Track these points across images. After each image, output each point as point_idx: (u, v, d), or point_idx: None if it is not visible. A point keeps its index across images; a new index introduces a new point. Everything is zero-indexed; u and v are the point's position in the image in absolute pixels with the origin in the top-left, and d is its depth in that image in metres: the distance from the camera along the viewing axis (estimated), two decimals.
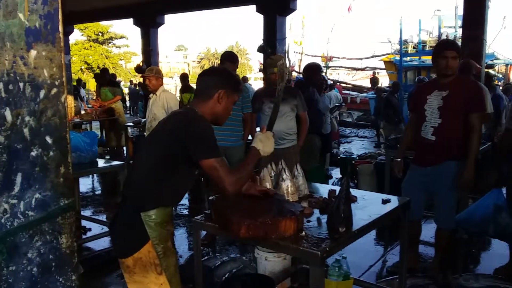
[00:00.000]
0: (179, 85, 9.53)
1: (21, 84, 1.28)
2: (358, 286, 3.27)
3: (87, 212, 5.69)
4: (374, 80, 13.86)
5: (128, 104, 13.11)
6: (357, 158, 7.56)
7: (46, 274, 1.36)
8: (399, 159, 3.74)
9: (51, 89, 1.34)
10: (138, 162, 2.10)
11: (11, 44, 1.25)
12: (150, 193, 1.96)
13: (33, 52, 1.30)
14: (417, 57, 17.96)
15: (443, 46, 3.38)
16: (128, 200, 2.02)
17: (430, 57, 3.82)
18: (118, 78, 20.66)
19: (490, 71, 17.80)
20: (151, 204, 1.95)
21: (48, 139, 1.34)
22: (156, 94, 5.04)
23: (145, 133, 5.91)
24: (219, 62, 4.51)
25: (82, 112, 9.63)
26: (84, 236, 4.68)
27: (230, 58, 4.32)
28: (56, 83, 1.35)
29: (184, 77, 9.33)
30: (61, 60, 1.36)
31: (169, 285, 1.99)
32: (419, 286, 3.21)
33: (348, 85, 21.93)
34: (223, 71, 2.26)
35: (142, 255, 1.95)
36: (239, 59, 4.87)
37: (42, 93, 1.32)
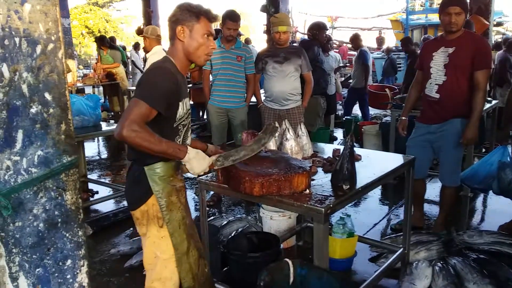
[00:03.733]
0: None
1: (16, 39, 1.25)
2: (362, 243, 3.33)
3: (93, 176, 5.75)
4: (380, 40, 13.62)
5: (130, 68, 13.00)
6: (362, 119, 7.52)
7: (53, 229, 1.38)
8: (404, 118, 3.72)
9: (47, 44, 1.31)
10: None
11: None
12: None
13: (27, 6, 1.26)
14: (424, 15, 17.56)
15: (447, 2, 3.28)
16: (132, 157, 2.06)
17: (437, 15, 3.72)
18: (120, 42, 20.41)
19: (499, 28, 17.45)
20: (151, 159, 1.93)
21: (47, 96, 1.32)
22: (146, 56, 4.89)
23: None
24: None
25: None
26: (91, 199, 4.74)
27: (230, 17, 4.23)
28: (53, 38, 1.32)
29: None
30: (56, 15, 1.32)
31: (170, 238, 2.03)
32: (423, 243, 3.25)
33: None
34: (176, 7, 2.05)
35: (148, 207, 2.01)
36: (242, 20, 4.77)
37: (38, 49, 1.29)
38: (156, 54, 4.67)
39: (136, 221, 2.10)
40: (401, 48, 9.30)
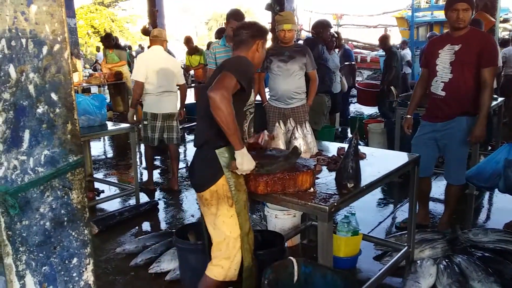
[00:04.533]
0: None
1: (23, 40, 1.27)
2: (366, 241, 3.33)
3: (99, 175, 5.78)
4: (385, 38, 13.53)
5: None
6: (367, 117, 7.50)
7: (59, 228, 1.40)
8: (409, 116, 3.71)
9: (53, 45, 1.33)
10: (201, 110, 2.24)
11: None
12: (219, 134, 2.10)
13: (33, 7, 1.28)
14: (429, 12, 17.44)
15: None
16: (201, 143, 2.25)
17: (443, 12, 3.70)
18: (126, 42, 20.52)
19: (506, 25, 17.32)
20: (222, 142, 2.14)
21: (54, 96, 1.34)
22: None
23: None
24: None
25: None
26: (97, 198, 4.77)
27: (235, 16, 4.23)
28: (59, 39, 1.34)
29: (188, 40, 9.17)
30: (62, 16, 1.34)
31: (237, 218, 2.20)
32: (428, 241, 3.24)
33: (359, 43, 21.49)
34: (256, 23, 2.47)
35: (218, 187, 2.17)
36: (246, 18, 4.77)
37: (45, 49, 1.31)
38: (152, 51, 4.79)
39: (204, 202, 2.22)
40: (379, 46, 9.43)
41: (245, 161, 2.08)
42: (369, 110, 9.22)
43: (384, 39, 7.71)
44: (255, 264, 2.32)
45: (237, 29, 2.43)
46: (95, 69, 13.94)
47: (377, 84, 8.29)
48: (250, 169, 2.11)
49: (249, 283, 2.31)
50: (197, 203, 4.64)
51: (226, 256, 2.24)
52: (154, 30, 5.03)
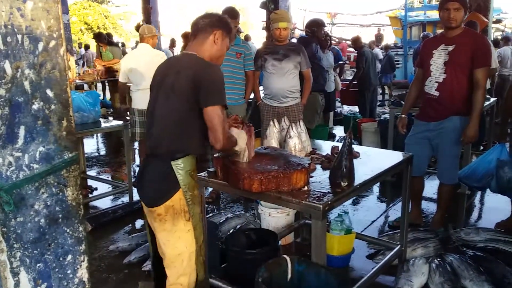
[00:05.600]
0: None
1: (19, 36, 1.26)
2: (360, 240, 3.34)
3: (92, 172, 5.76)
4: (378, 37, 13.64)
5: None
6: (361, 116, 7.53)
7: (54, 225, 1.39)
8: (403, 115, 3.74)
9: (49, 41, 1.32)
10: (160, 115, 2.12)
11: None
12: (183, 143, 2.06)
13: (29, 3, 1.27)
14: (422, 12, 17.54)
15: None
16: (158, 152, 2.09)
17: (436, 11, 3.73)
18: (119, 39, 20.43)
19: (499, 25, 17.43)
20: (181, 153, 2.06)
21: (49, 93, 1.33)
22: None
23: None
24: None
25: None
26: (90, 195, 4.75)
27: (230, 13, 4.22)
28: (54, 35, 1.33)
29: (186, 36, 9.13)
30: (58, 12, 1.33)
31: (193, 232, 2.13)
32: (421, 240, 3.27)
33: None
34: (216, 14, 2.31)
35: (174, 202, 2.07)
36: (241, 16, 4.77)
37: (40, 46, 1.30)
38: (137, 49, 5.03)
39: (156, 218, 2.10)
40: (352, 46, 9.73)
41: (241, 142, 2.19)
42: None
43: (356, 40, 8.10)
44: (207, 276, 2.29)
45: (196, 19, 2.27)
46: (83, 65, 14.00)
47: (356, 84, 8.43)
48: (243, 146, 2.22)
49: None
50: None
51: (183, 273, 2.14)
52: (141, 27, 5.09)
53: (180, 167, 2.05)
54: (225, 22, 2.24)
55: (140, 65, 4.68)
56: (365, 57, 7.43)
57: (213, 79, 2.04)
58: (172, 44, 13.55)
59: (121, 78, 4.93)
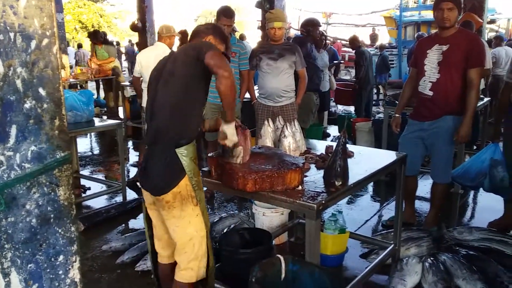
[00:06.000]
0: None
1: (11, 34, 1.25)
2: (353, 239, 3.35)
3: (85, 172, 5.73)
4: (373, 37, 13.68)
5: (126, 64, 13.08)
6: (355, 116, 7.55)
7: (45, 225, 1.38)
8: (397, 115, 3.75)
9: (42, 39, 1.31)
10: (161, 105, 2.14)
11: None
12: (184, 130, 2.09)
13: (22, 1, 1.26)
14: (417, 12, 17.60)
15: None
16: (161, 141, 2.12)
17: (430, 12, 3.74)
18: (114, 38, 20.34)
19: (493, 26, 17.51)
20: (185, 140, 2.09)
21: (42, 91, 1.32)
22: None
23: None
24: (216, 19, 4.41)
25: None
26: (83, 195, 4.73)
27: (225, 13, 4.22)
28: (47, 33, 1.32)
29: (183, 34, 9.06)
30: (51, 10, 1.32)
31: (202, 216, 2.16)
32: (414, 239, 3.28)
33: (347, 42, 21.58)
34: (213, 24, 2.42)
35: (181, 188, 2.10)
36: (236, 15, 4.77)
37: (33, 44, 1.29)
38: (152, 48, 5.16)
39: (164, 205, 2.13)
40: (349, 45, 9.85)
41: (233, 133, 2.14)
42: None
43: (353, 40, 8.21)
44: (214, 262, 2.31)
45: (196, 26, 2.42)
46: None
47: (352, 84, 8.48)
48: (234, 141, 2.15)
49: (212, 281, 2.30)
50: None
51: (194, 257, 2.18)
52: (159, 26, 5.17)
53: (184, 154, 2.09)
54: (219, 31, 2.33)
55: (152, 63, 4.71)
56: (365, 55, 7.46)
57: (212, 46, 2.10)
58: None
59: (135, 73, 5.03)
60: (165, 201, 2.11)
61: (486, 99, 5.36)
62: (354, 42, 8.08)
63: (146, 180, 2.20)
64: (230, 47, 4.23)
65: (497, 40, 8.63)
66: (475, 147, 5.77)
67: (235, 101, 2.09)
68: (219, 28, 2.36)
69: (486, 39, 8.61)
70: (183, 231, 2.15)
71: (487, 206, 4.25)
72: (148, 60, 4.75)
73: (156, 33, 5.33)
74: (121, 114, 8.49)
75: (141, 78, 4.99)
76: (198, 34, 2.29)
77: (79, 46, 16.54)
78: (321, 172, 2.41)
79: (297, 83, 4.39)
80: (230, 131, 2.12)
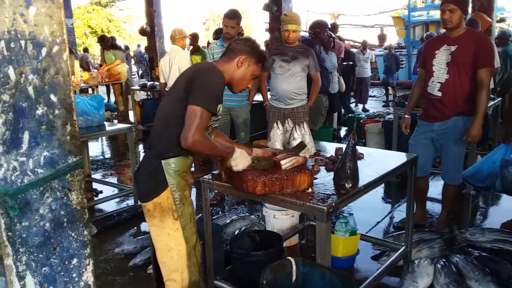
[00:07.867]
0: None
1: (22, 42, 1.27)
2: (364, 241, 3.34)
3: (97, 175, 5.78)
4: (381, 37, 13.61)
5: (135, 68, 13.21)
6: (365, 117, 7.52)
7: (59, 229, 1.40)
8: (406, 116, 3.73)
9: (52, 47, 1.33)
10: (160, 112, 2.17)
11: (10, 1, 1.24)
12: (172, 142, 2.04)
13: (32, 9, 1.28)
14: (426, 12, 17.48)
15: None
16: (153, 148, 2.12)
17: (439, 11, 3.72)
18: (123, 42, 20.50)
19: (502, 25, 17.33)
20: (172, 153, 2.05)
21: (53, 98, 1.34)
22: None
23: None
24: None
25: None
26: (95, 198, 4.77)
27: (228, 15, 4.24)
28: (58, 40, 1.34)
29: (194, 37, 9.05)
30: (61, 17, 1.34)
31: (182, 231, 2.12)
32: (425, 241, 3.26)
33: (356, 43, 21.52)
34: (253, 42, 2.28)
35: (161, 200, 2.08)
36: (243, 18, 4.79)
37: (44, 51, 1.31)
38: (169, 53, 5.47)
39: (147, 213, 2.14)
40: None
41: (239, 162, 2.15)
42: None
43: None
44: (202, 278, 2.27)
45: (235, 39, 2.36)
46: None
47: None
48: (245, 166, 2.17)
49: None
50: (195, 204, 4.66)
51: (174, 268, 2.15)
52: (172, 30, 5.50)
53: (171, 167, 2.05)
54: (256, 50, 2.23)
55: (167, 67, 5.22)
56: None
57: (207, 81, 2.03)
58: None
59: (161, 79, 5.44)
60: (146, 209, 2.13)
61: (497, 99, 5.31)
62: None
63: (136, 182, 2.23)
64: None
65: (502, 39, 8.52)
66: (487, 148, 5.71)
67: (216, 152, 2.10)
68: (257, 48, 2.25)
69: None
70: (162, 242, 2.15)
71: (499, 207, 4.21)
72: (165, 65, 5.22)
73: (169, 37, 5.56)
74: (131, 118, 8.56)
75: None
76: (233, 52, 2.21)
77: (85, 50, 16.76)
78: (331, 174, 2.41)
79: (309, 86, 4.39)
80: (233, 163, 2.16)
